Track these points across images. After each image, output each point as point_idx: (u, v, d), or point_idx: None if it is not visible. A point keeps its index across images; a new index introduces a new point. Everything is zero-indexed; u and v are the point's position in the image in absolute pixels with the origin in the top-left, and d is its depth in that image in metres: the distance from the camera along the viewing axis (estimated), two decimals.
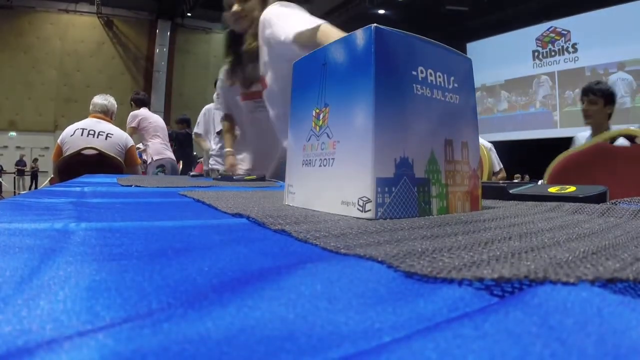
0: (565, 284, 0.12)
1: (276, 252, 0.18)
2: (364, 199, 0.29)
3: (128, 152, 2.09)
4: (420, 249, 0.17)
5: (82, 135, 1.97)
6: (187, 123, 3.48)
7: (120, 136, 2.08)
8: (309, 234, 0.22)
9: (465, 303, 0.12)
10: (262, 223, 0.26)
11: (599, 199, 0.41)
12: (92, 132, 1.99)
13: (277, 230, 0.24)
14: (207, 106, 2.53)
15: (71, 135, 1.98)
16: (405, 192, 0.30)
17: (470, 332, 0.09)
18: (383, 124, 0.29)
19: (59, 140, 2.03)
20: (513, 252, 0.17)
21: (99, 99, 2.15)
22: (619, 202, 0.40)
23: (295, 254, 0.18)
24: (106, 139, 2.00)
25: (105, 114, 2.13)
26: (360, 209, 0.29)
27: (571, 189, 0.44)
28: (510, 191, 0.47)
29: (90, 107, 2.13)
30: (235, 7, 1.10)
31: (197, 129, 2.56)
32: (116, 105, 2.21)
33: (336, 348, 0.09)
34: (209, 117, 2.49)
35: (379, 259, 0.16)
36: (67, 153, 1.91)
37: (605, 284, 0.13)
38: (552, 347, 0.08)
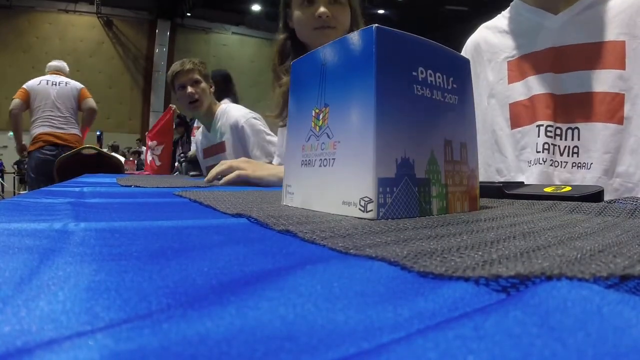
0: (572, 280, 0.12)
1: (276, 252, 0.18)
2: (366, 199, 0.29)
3: (81, 93, 2.69)
4: (429, 249, 0.17)
5: (47, 84, 2.59)
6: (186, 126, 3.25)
7: (74, 83, 2.69)
8: (315, 234, 0.21)
9: (466, 303, 0.12)
10: (265, 224, 0.26)
11: (595, 198, 0.41)
12: (54, 83, 2.62)
13: (281, 231, 0.23)
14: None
15: (38, 85, 2.57)
16: (407, 192, 0.30)
17: (470, 331, 0.09)
18: (384, 124, 0.29)
19: (26, 86, 2.58)
20: (521, 251, 0.17)
21: (54, 63, 2.76)
22: (614, 202, 0.40)
23: (295, 254, 0.18)
24: (66, 85, 2.64)
25: (60, 71, 2.72)
26: (362, 209, 0.29)
27: (567, 188, 0.44)
28: (507, 191, 0.47)
29: (46, 69, 2.72)
30: None
31: None
32: (68, 69, 2.81)
33: (336, 348, 0.09)
34: None
35: (391, 260, 0.16)
36: (35, 100, 2.54)
37: (618, 282, 0.13)
38: (552, 346, 0.08)
